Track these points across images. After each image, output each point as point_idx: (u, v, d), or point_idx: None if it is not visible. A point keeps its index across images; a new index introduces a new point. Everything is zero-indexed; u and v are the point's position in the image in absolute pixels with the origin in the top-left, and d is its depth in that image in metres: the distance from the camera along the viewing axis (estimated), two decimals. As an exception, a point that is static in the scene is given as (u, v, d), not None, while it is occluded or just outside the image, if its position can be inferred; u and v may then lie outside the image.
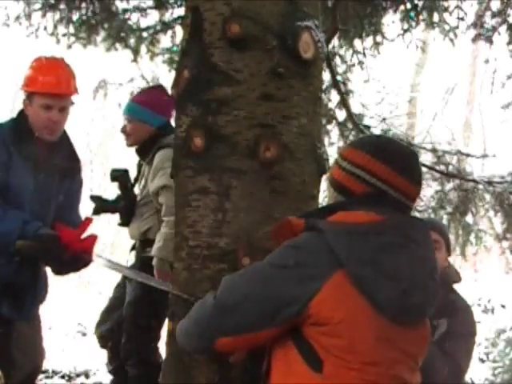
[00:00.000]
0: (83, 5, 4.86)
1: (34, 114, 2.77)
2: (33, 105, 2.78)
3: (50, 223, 2.79)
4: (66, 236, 2.54)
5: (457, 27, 4.97)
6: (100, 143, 18.37)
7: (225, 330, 1.69)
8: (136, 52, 5.33)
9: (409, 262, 1.62)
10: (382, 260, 1.59)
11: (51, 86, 2.76)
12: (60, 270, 2.71)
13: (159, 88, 3.89)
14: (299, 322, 1.61)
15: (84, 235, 2.63)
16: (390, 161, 1.70)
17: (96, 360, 5.71)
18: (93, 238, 2.62)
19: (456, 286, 2.85)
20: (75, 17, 4.94)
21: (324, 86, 4.80)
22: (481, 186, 5.08)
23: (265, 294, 1.63)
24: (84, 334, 6.82)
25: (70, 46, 5.22)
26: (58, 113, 2.77)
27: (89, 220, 2.68)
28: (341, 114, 5.47)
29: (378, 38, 5.04)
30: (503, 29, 4.92)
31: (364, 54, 5.12)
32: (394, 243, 1.62)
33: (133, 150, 3.90)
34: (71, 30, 5.04)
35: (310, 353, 1.60)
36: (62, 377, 5.28)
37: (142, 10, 5.11)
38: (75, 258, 2.57)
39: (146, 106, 3.65)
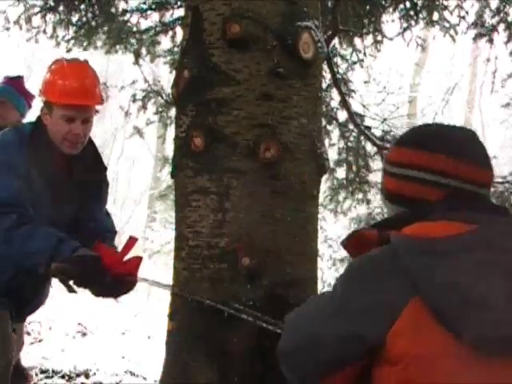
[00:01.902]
0: (82, 7, 4.84)
1: (54, 126, 2.46)
2: (52, 116, 2.46)
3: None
4: (109, 258, 2.26)
5: (457, 24, 4.97)
6: (101, 145, 18.38)
7: (305, 373, 1.41)
8: (137, 54, 5.32)
9: (503, 282, 1.28)
10: (468, 284, 1.26)
11: (74, 95, 2.43)
12: (101, 294, 2.39)
13: (23, 78, 3.86)
14: (376, 358, 1.33)
15: (128, 256, 2.36)
16: (449, 149, 1.38)
17: (96, 360, 5.72)
18: (137, 260, 2.35)
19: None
20: (74, 19, 4.92)
21: (324, 86, 4.80)
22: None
23: (339, 330, 1.34)
24: (84, 334, 6.82)
25: (69, 50, 5.18)
26: (80, 125, 2.45)
27: (133, 240, 2.39)
28: (341, 115, 5.47)
29: (378, 37, 5.05)
30: (502, 27, 4.92)
31: (364, 53, 5.13)
32: (485, 261, 1.29)
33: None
34: (71, 32, 5.02)
35: None
36: (62, 377, 5.28)
37: (141, 12, 5.10)
38: (118, 280, 2.30)
39: (21, 93, 3.64)
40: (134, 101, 5.64)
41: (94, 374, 5.47)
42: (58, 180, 2.53)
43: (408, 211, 1.43)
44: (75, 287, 2.32)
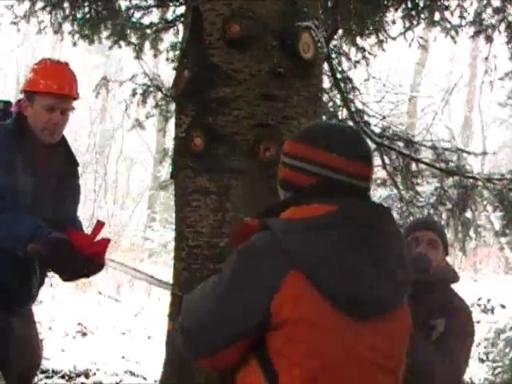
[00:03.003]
0: (86, 3, 4.87)
1: (35, 115, 2.71)
2: (34, 106, 2.71)
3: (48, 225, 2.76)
4: (79, 240, 2.46)
5: (459, 25, 4.97)
6: (101, 145, 18.39)
7: (195, 355, 1.60)
8: (140, 49, 5.35)
9: (370, 252, 1.52)
10: (339, 255, 1.49)
11: (54, 86, 2.72)
12: (71, 275, 2.60)
13: None
14: (265, 328, 1.50)
15: (96, 239, 2.54)
16: (328, 145, 1.58)
17: (96, 360, 5.72)
18: (105, 242, 2.54)
19: (455, 286, 2.84)
20: (79, 15, 4.96)
21: (325, 85, 4.81)
22: (480, 183, 5.08)
23: (228, 308, 1.52)
24: (84, 334, 6.82)
25: (75, 44, 5.26)
26: (59, 115, 2.72)
27: (101, 224, 2.58)
28: (341, 114, 5.47)
29: (381, 36, 5.04)
30: (503, 27, 4.91)
31: (368, 52, 5.13)
32: (352, 234, 1.52)
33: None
34: (75, 28, 5.06)
35: (267, 365, 1.51)
36: (62, 377, 5.27)
37: (144, 8, 5.12)
38: (87, 262, 2.49)
39: None
40: (134, 95, 5.67)
41: (94, 374, 5.47)
42: (39, 169, 2.73)
43: (283, 200, 1.64)
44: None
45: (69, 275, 2.60)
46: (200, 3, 2.48)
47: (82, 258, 2.45)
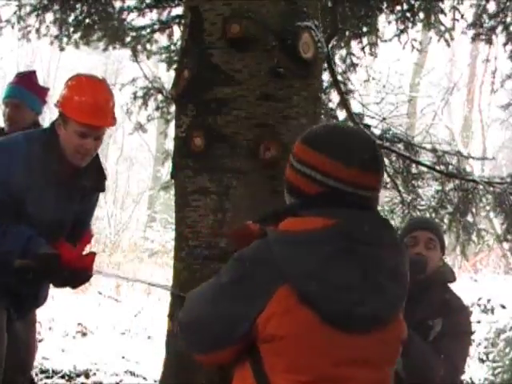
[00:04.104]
0: (78, 5, 4.80)
1: (67, 138, 2.59)
2: (67, 129, 2.58)
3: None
4: (66, 254, 2.55)
5: (452, 28, 4.96)
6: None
7: (192, 349, 1.65)
8: (136, 52, 5.32)
9: (359, 267, 1.49)
10: (329, 270, 1.47)
11: (89, 115, 2.55)
12: (60, 286, 2.69)
13: (35, 74, 3.84)
14: (253, 339, 1.52)
15: (84, 252, 2.66)
16: (334, 152, 1.53)
17: (96, 360, 5.71)
18: (92, 256, 2.63)
19: (455, 286, 2.85)
20: (71, 18, 4.87)
21: (324, 86, 4.81)
22: (481, 187, 5.07)
23: (216, 314, 1.55)
24: (84, 334, 6.82)
25: (62, 49, 5.14)
26: (92, 141, 2.61)
27: (88, 236, 2.70)
28: (341, 114, 5.47)
29: (374, 39, 5.04)
30: (500, 29, 4.91)
31: (364, 52, 5.12)
32: (342, 250, 1.49)
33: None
34: (65, 31, 4.96)
35: (260, 371, 1.52)
36: (62, 377, 5.27)
37: (139, 10, 5.08)
38: (75, 275, 2.58)
39: (34, 92, 3.63)
40: (135, 98, 5.65)
41: (94, 374, 5.47)
42: (63, 187, 2.67)
43: (283, 207, 1.63)
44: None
45: (58, 285, 2.69)
46: (200, 3, 2.48)
47: (70, 271, 2.53)
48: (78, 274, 2.57)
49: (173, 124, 2.58)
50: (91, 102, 2.57)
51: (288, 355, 1.48)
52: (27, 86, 3.64)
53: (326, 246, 1.49)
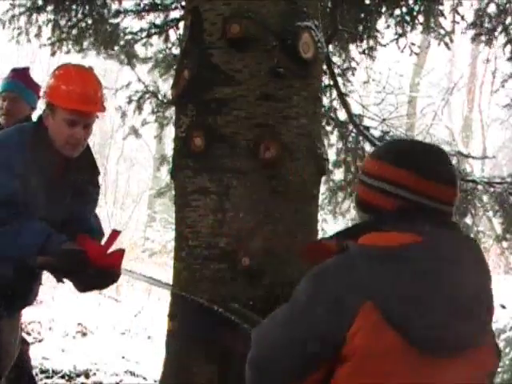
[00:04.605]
0: (73, 7, 4.74)
1: (56, 128, 2.51)
2: (55, 118, 2.51)
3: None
4: (93, 251, 2.34)
5: (452, 32, 4.96)
6: (100, 145, 18.39)
7: None
8: (131, 56, 5.29)
9: (448, 289, 1.42)
10: (416, 290, 1.40)
11: (77, 101, 2.48)
12: (86, 287, 2.48)
13: (29, 70, 3.85)
14: (331, 362, 1.42)
15: (111, 249, 2.43)
16: (414, 166, 1.49)
17: (96, 360, 5.71)
18: (120, 253, 2.42)
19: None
20: (63, 21, 4.80)
21: (324, 86, 4.81)
22: (480, 187, 5.07)
23: (297, 338, 1.43)
24: (84, 334, 6.82)
25: (54, 53, 5.07)
26: (82, 129, 2.51)
27: (116, 233, 2.45)
28: (341, 115, 5.47)
29: (373, 43, 5.03)
30: (499, 29, 4.91)
31: (364, 53, 5.13)
32: (430, 270, 1.42)
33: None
34: (57, 34, 4.88)
35: None
36: (62, 377, 5.27)
37: (135, 13, 5.05)
38: (102, 274, 2.37)
39: (30, 87, 3.64)
40: (130, 102, 5.63)
41: (94, 374, 5.47)
42: (54, 181, 2.57)
43: (363, 222, 1.56)
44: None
45: (83, 287, 2.49)
46: (200, 3, 2.48)
47: (97, 269, 2.34)
48: (105, 272, 2.38)
49: (168, 128, 2.56)
50: (79, 89, 2.51)
51: (369, 375, 1.39)
52: (23, 81, 3.67)
53: (413, 264, 1.42)
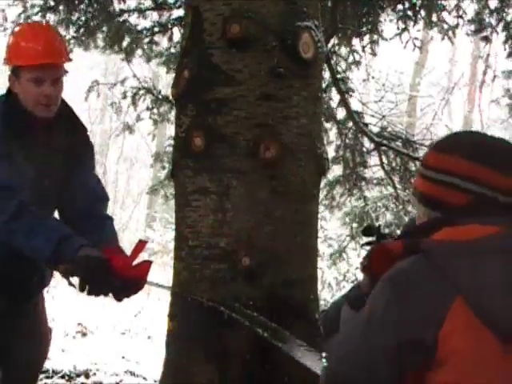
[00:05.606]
0: (82, 6, 4.81)
1: (24, 91, 2.38)
2: (21, 81, 2.37)
3: (52, 213, 2.49)
4: (118, 263, 2.21)
5: (456, 26, 4.96)
6: (100, 145, 18.38)
7: None
8: (130, 53, 5.30)
9: None
10: (505, 282, 1.32)
11: (39, 55, 2.34)
12: (104, 295, 2.30)
13: None
14: (423, 369, 1.34)
15: (137, 261, 2.30)
16: (488, 160, 1.42)
17: (96, 360, 5.71)
18: (147, 265, 2.29)
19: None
20: (75, 17, 4.88)
21: (324, 85, 4.80)
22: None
23: (381, 348, 1.35)
24: (84, 334, 6.82)
25: (70, 50, 5.17)
26: (50, 86, 2.37)
27: (142, 244, 2.33)
28: (340, 113, 5.48)
29: (375, 37, 5.04)
30: (501, 26, 4.91)
31: (364, 51, 5.13)
32: None
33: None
34: (71, 32, 4.98)
35: None
36: (62, 377, 5.27)
37: (140, 12, 5.08)
38: (126, 286, 2.24)
39: None
40: (125, 97, 5.63)
41: (94, 374, 5.47)
42: (40, 150, 2.45)
43: (433, 219, 1.46)
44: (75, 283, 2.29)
45: (100, 295, 2.28)
46: (200, 3, 2.48)
47: (122, 281, 2.20)
48: (131, 284, 2.24)
49: (162, 126, 2.53)
50: (38, 44, 2.39)
51: (467, 376, 1.31)
52: None
53: (502, 256, 1.34)
